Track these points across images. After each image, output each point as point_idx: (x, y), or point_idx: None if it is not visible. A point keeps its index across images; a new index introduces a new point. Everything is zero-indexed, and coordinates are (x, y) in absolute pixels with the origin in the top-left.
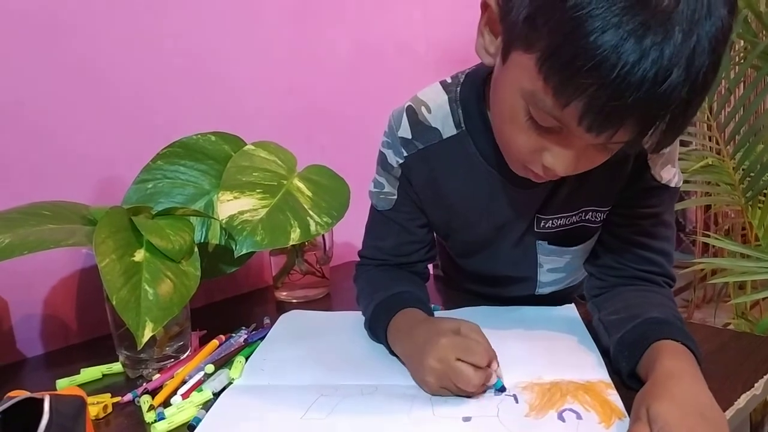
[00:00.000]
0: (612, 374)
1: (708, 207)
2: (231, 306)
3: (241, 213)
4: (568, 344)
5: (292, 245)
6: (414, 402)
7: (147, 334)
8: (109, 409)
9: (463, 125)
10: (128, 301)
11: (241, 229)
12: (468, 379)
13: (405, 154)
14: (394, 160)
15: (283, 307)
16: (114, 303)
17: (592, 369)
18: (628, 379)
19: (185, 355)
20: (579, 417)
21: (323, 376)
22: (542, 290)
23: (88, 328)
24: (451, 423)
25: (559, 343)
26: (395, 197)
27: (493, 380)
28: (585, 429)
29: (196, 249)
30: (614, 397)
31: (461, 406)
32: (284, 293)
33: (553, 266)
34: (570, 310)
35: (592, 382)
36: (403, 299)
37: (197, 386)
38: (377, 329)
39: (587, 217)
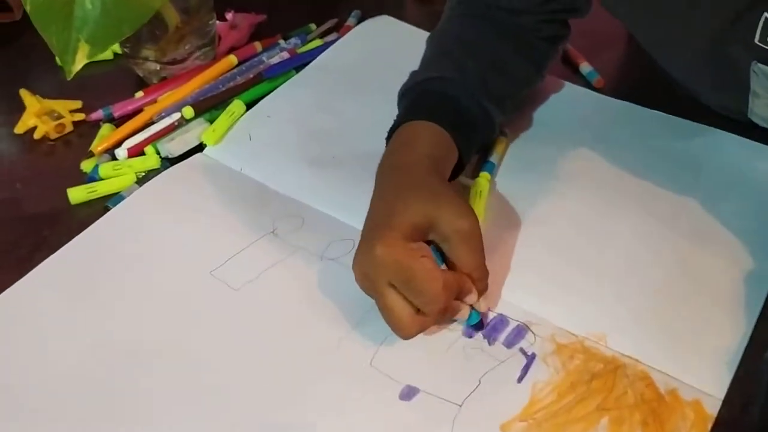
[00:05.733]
0: None
1: None
2: None
3: None
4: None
5: None
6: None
7: (80, 62)
8: (69, 128)
9: None
10: None
11: None
12: (397, 324)
13: None
14: None
15: None
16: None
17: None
18: None
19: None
20: None
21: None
22: (758, 119)
23: None
24: (379, 394)
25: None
26: None
27: (465, 314)
28: None
29: None
30: None
31: (411, 363)
32: None
33: None
34: None
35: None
36: (432, 96)
37: (154, 139)
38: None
39: None
